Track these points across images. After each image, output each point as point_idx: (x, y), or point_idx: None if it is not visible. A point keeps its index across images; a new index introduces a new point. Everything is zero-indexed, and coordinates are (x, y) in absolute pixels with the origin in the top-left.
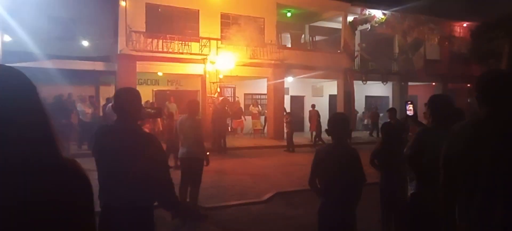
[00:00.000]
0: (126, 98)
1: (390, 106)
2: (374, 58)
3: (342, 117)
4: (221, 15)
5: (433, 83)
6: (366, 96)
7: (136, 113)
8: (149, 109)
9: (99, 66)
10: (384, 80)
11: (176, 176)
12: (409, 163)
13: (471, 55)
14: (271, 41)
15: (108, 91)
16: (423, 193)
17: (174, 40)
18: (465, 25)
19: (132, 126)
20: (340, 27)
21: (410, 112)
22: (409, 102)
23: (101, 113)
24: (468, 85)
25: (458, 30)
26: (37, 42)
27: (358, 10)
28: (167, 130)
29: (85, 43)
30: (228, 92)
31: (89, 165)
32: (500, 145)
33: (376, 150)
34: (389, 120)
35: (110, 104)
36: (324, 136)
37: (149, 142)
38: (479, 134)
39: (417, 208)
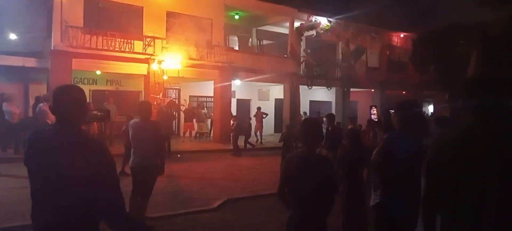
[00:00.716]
0: (69, 98)
1: (333, 111)
2: (318, 64)
3: (314, 123)
4: (167, 13)
5: (373, 90)
6: (311, 101)
7: (80, 116)
8: (95, 112)
9: (29, 62)
10: (328, 86)
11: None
12: (377, 169)
13: (412, 62)
14: (218, 43)
15: (38, 90)
16: (391, 201)
17: (115, 37)
18: (402, 35)
19: (75, 130)
20: (287, 32)
21: (374, 117)
22: (373, 107)
23: (30, 114)
24: (404, 92)
25: (396, 39)
26: None
27: (305, 16)
28: (125, 133)
29: (13, 37)
30: (172, 94)
31: (17, 171)
32: (490, 153)
33: (340, 155)
34: (328, 127)
35: (42, 104)
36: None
37: (97, 148)
38: (467, 141)
39: (384, 217)
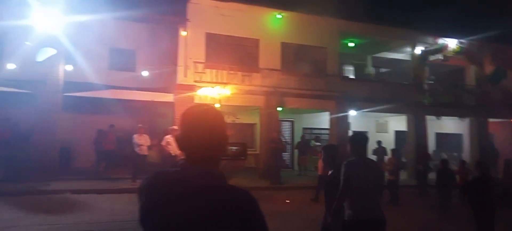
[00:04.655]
0: (205, 124)
1: (465, 145)
2: (447, 91)
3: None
4: (282, 44)
5: None
6: (437, 133)
7: (219, 150)
8: (230, 147)
9: (156, 97)
10: (460, 115)
11: None
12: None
13: None
14: (333, 72)
15: (165, 124)
16: None
17: (235, 71)
18: None
19: (212, 174)
20: (406, 57)
21: None
22: None
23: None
24: None
25: None
26: (97, 72)
27: (429, 39)
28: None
29: (145, 73)
30: (286, 127)
31: None
32: None
33: None
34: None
35: (168, 136)
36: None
37: (243, 205)
38: None
39: None
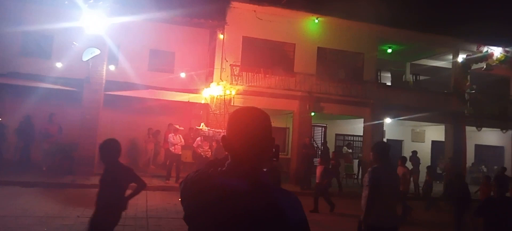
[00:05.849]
0: (251, 125)
1: (507, 158)
2: (489, 101)
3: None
4: (318, 49)
5: None
6: (476, 145)
7: (265, 152)
8: None
9: (192, 98)
10: (503, 128)
11: None
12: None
13: None
14: (370, 78)
15: (198, 124)
16: None
17: (270, 74)
18: None
19: (260, 176)
20: (447, 65)
21: None
22: None
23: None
24: None
25: None
26: (137, 72)
27: (472, 46)
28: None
29: (182, 75)
30: (319, 132)
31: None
32: None
33: None
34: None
35: (199, 138)
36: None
37: (288, 210)
38: None
39: None
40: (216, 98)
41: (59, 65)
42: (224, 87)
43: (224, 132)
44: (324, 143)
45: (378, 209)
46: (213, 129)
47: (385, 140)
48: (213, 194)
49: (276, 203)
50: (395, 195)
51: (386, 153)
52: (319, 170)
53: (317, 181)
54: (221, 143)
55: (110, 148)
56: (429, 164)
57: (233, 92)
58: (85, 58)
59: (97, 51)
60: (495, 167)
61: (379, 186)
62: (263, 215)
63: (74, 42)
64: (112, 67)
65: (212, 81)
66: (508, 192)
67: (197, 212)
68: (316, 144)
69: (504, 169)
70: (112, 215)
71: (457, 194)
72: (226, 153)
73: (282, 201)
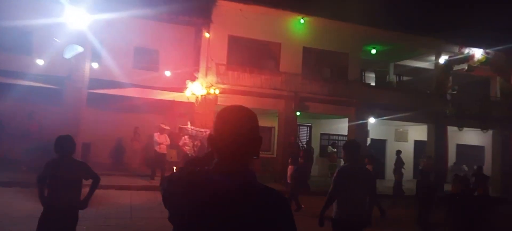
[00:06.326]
0: (238, 124)
1: (487, 157)
2: (470, 102)
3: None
4: (303, 49)
5: None
6: (458, 145)
7: (251, 150)
8: None
9: (178, 97)
10: (484, 128)
11: None
12: None
13: None
14: (354, 78)
15: (183, 123)
16: None
17: (255, 73)
18: None
19: (246, 174)
20: (430, 66)
21: None
22: None
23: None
24: None
25: None
26: (121, 70)
27: (454, 48)
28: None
29: (167, 73)
30: (304, 131)
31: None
32: None
33: None
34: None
35: (186, 136)
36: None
37: (274, 205)
38: None
39: None
40: (200, 97)
41: (40, 62)
42: (206, 86)
43: (209, 131)
44: (308, 142)
45: (347, 206)
46: (196, 129)
47: (369, 139)
48: (200, 194)
49: (263, 201)
50: (365, 192)
51: (355, 151)
52: (289, 170)
53: (288, 180)
54: (207, 142)
55: (66, 141)
56: (412, 163)
57: (217, 91)
58: (67, 56)
59: (80, 49)
60: (475, 167)
61: (343, 184)
62: (250, 214)
63: (55, 39)
64: (95, 65)
65: (196, 80)
66: (470, 187)
67: (183, 212)
68: (302, 143)
69: (481, 167)
70: (70, 214)
71: (421, 191)
72: (208, 150)
73: (269, 199)
